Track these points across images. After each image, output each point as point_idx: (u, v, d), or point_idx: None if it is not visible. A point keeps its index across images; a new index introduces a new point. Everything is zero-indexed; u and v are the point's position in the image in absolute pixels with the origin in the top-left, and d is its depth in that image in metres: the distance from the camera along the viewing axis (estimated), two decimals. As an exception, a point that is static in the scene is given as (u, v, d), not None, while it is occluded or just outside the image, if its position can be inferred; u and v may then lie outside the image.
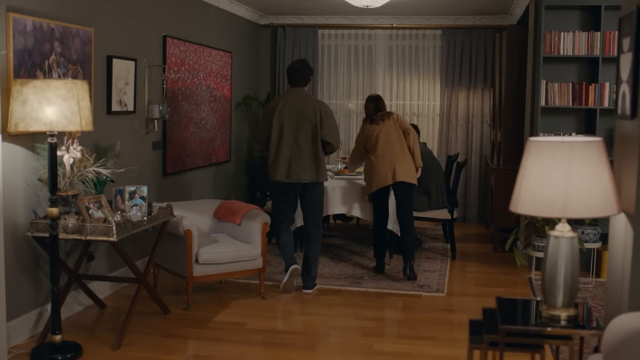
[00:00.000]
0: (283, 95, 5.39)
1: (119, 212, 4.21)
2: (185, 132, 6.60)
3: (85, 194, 4.25)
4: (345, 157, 7.04)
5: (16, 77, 3.95)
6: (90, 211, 4.03)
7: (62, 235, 3.97)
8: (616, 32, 5.76)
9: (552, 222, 4.95)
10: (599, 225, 5.67)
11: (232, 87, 7.85)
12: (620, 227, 3.16)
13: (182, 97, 6.47)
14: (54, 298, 3.90)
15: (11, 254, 4.03)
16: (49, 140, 3.78)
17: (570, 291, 2.69)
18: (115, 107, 5.19)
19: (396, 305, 5.14)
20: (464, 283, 5.77)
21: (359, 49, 8.86)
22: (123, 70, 5.27)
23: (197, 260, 4.85)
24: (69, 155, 4.08)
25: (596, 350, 3.17)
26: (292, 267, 5.31)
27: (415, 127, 6.69)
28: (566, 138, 2.69)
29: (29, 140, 4.11)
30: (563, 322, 2.71)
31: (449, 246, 6.80)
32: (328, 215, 6.81)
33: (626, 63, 3.16)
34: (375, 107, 5.85)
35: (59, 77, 4.39)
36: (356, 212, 6.28)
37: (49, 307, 4.17)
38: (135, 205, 4.26)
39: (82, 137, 4.26)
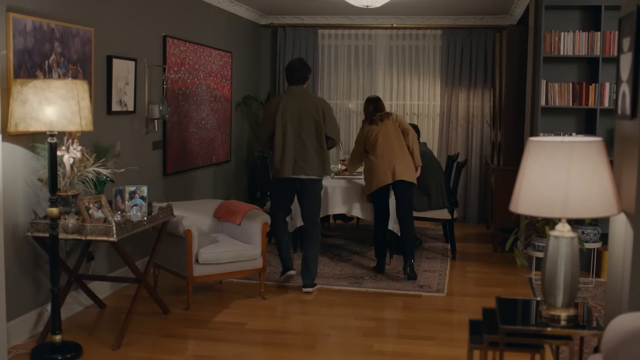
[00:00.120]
0: (284, 94, 5.44)
1: (119, 212, 4.21)
2: (186, 132, 6.60)
3: (85, 194, 4.25)
4: (345, 160, 7.05)
5: (16, 77, 3.95)
6: (90, 211, 4.03)
7: (62, 235, 3.97)
8: (616, 32, 5.76)
9: (552, 222, 4.95)
10: (599, 225, 5.67)
11: (232, 87, 7.86)
12: (620, 227, 3.16)
13: (182, 97, 6.47)
14: (54, 298, 3.90)
15: (11, 254, 4.03)
16: (49, 140, 3.78)
17: (570, 291, 2.69)
18: (115, 107, 5.19)
19: (396, 305, 5.14)
20: (464, 283, 5.77)
21: (359, 49, 8.86)
22: (123, 70, 5.27)
23: (197, 260, 4.85)
24: (69, 155, 4.08)
25: (596, 350, 3.17)
26: (288, 273, 5.48)
27: (415, 127, 6.70)
28: (566, 138, 2.69)
29: (29, 140, 4.11)
30: (563, 322, 2.71)
31: (449, 246, 6.80)
32: (328, 215, 6.81)
33: (626, 63, 3.16)
34: (374, 108, 5.89)
35: (59, 77, 4.39)
36: (356, 212, 6.28)
37: (49, 307, 4.17)
38: (135, 205, 4.26)
39: (82, 137, 4.26)
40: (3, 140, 3.83)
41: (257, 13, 8.58)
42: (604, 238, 5.55)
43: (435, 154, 8.11)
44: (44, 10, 4.28)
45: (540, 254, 5.39)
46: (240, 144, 8.34)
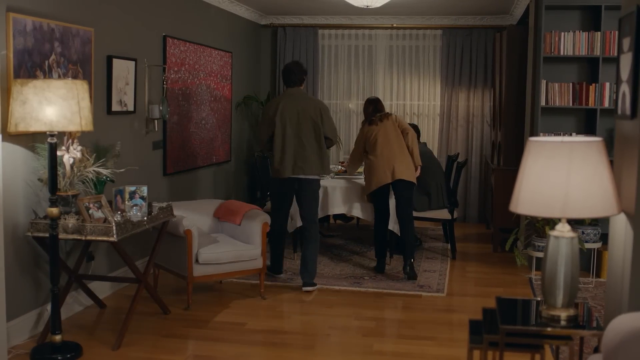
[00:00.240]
0: (282, 96, 5.52)
1: (119, 212, 4.21)
2: (186, 132, 6.60)
3: (85, 194, 4.25)
4: (344, 161, 7.06)
5: (16, 77, 3.95)
6: (90, 211, 4.03)
7: (62, 235, 3.97)
8: (616, 32, 5.76)
9: (552, 222, 4.95)
10: (599, 225, 5.67)
11: (233, 87, 7.86)
12: (620, 227, 3.16)
13: (182, 97, 6.48)
14: (54, 298, 3.90)
15: (11, 254, 4.03)
16: (49, 140, 3.78)
17: (570, 291, 2.69)
18: (115, 107, 5.19)
19: (396, 305, 5.14)
20: (464, 283, 5.77)
21: (359, 49, 8.86)
22: (123, 70, 5.27)
23: (197, 260, 4.85)
24: (69, 155, 4.08)
25: (596, 350, 3.17)
26: (276, 276, 5.72)
27: (416, 127, 6.70)
28: (566, 138, 2.69)
29: (29, 140, 4.11)
30: (563, 322, 2.71)
31: (449, 246, 6.80)
32: (328, 215, 6.81)
33: (626, 63, 3.16)
34: (374, 109, 5.94)
35: (59, 77, 4.39)
36: (356, 212, 6.28)
37: (49, 307, 4.17)
38: (135, 205, 4.26)
39: (82, 137, 4.26)
40: (3, 140, 3.83)
41: (257, 13, 8.58)
42: (604, 238, 5.55)
43: (435, 154, 8.11)
44: (44, 10, 4.28)
45: (540, 254, 5.39)
46: (241, 144, 8.34)
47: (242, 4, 7.89)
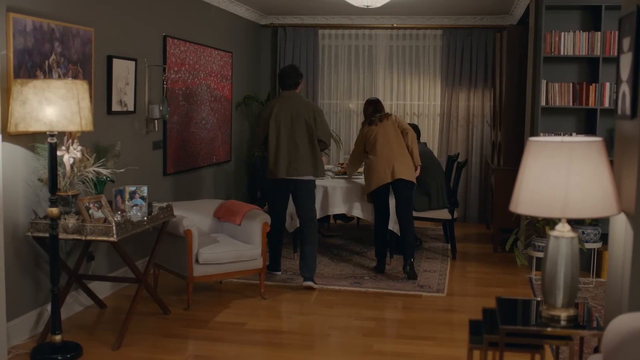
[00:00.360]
0: (277, 98, 5.64)
1: (119, 212, 4.21)
2: (186, 132, 6.60)
3: (85, 194, 4.25)
4: (344, 163, 7.07)
5: (16, 77, 3.95)
6: (90, 211, 4.03)
7: (62, 235, 3.97)
8: (616, 32, 5.75)
9: (552, 222, 4.95)
10: (600, 225, 5.67)
11: (233, 87, 7.86)
12: (620, 227, 3.16)
13: (182, 97, 6.48)
14: (54, 298, 3.90)
15: (11, 254, 4.03)
16: (49, 140, 3.77)
17: (571, 291, 2.69)
18: (115, 107, 5.19)
19: (396, 306, 5.13)
20: (464, 283, 5.76)
21: (359, 49, 8.85)
22: (123, 70, 5.27)
23: (197, 260, 4.85)
24: (69, 155, 4.08)
25: (596, 350, 3.17)
26: (274, 273, 5.77)
27: (416, 127, 6.70)
28: (566, 138, 2.69)
29: (29, 140, 4.11)
30: (563, 322, 2.71)
31: (449, 246, 6.80)
32: (328, 215, 6.81)
33: (626, 63, 3.15)
34: (374, 110, 5.99)
35: (59, 77, 4.39)
36: (357, 212, 6.28)
37: (49, 307, 4.17)
38: (136, 205, 4.26)
39: (82, 137, 4.26)
40: (3, 140, 3.83)
41: (257, 13, 8.58)
42: (604, 238, 5.54)
43: (435, 154, 8.10)
44: (44, 10, 4.28)
45: (541, 254, 5.39)
46: (241, 144, 8.34)
47: (242, 4, 7.89)
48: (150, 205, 4.48)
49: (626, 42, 3.17)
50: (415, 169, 5.90)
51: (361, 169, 6.37)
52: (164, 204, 4.62)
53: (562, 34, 6.02)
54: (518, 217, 5.95)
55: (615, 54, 5.77)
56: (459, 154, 7.27)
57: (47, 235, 3.94)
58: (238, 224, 5.30)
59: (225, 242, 5.16)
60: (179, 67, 6.37)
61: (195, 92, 6.78)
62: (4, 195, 3.79)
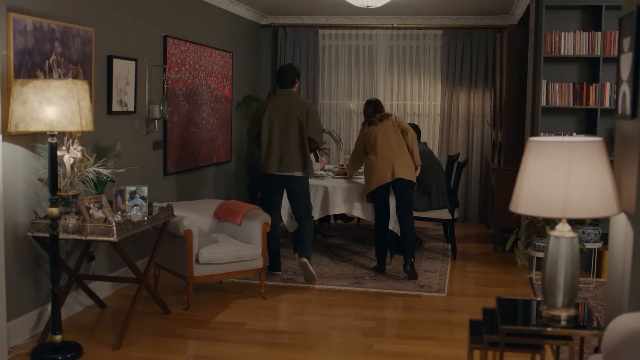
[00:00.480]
0: (273, 96, 5.79)
1: (119, 212, 4.21)
2: (186, 132, 6.60)
3: (85, 194, 4.25)
4: (343, 165, 7.08)
5: (16, 77, 3.95)
6: (90, 211, 4.03)
7: (62, 235, 3.97)
8: (617, 32, 5.75)
9: (552, 222, 4.95)
10: (600, 225, 5.66)
11: (233, 87, 7.86)
12: (621, 227, 3.16)
13: (182, 97, 6.48)
14: (54, 298, 3.91)
15: (11, 254, 4.03)
16: (49, 140, 3.78)
17: (571, 291, 2.69)
18: (115, 107, 5.19)
19: (397, 306, 5.13)
20: (465, 283, 5.76)
21: (359, 49, 8.85)
22: (123, 70, 5.27)
23: (197, 260, 4.85)
24: (69, 155, 4.08)
25: (596, 350, 3.17)
26: (275, 273, 5.82)
27: (416, 127, 6.70)
28: (566, 138, 2.69)
29: (29, 140, 4.11)
30: (563, 322, 2.71)
31: (449, 246, 6.80)
32: (328, 215, 6.81)
33: (626, 63, 3.15)
34: (374, 110, 6.01)
35: (60, 77, 4.39)
36: (357, 212, 6.28)
37: (49, 307, 4.17)
38: (136, 205, 4.26)
39: (83, 137, 4.26)
40: (3, 140, 3.83)
41: (257, 13, 8.58)
42: (605, 238, 5.54)
43: (435, 154, 8.10)
44: (44, 10, 4.28)
45: (541, 254, 5.39)
46: (241, 144, 8.34)
47: (243, 4, 7.89)
48: (150, 205, 4.48)
49: (626, 42, 3.17)
50: (416, 169, 5.90)
51: (361, 170, 6.37)
52: (164, 204, 4.62)
53: (563, 34, 6.02)
54: (518, 217, 5.94)
55: (616, 54, 5.75)
56: (459, 154, 7.27)
57: (47, 235, 3.94)
58: (238, 224, 5.30)
59: (225, 242, 5.16)
60: (179, 67, 6.37)
61: (196, 92, 6.78)
62: (4, 195, 3.79)
